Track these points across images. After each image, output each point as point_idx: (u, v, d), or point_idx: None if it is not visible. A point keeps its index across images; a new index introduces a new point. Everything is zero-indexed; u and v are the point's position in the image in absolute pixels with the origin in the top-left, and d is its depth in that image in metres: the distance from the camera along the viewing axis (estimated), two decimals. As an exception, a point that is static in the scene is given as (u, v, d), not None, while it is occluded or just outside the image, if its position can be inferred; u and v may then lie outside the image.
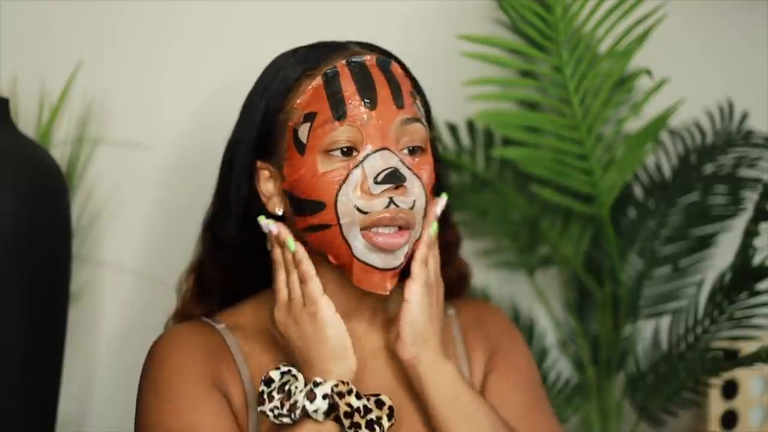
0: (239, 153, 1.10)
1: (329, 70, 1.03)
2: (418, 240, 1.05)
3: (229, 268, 1.14)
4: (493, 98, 1.47)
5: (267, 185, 1.08)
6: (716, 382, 1.54)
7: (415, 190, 1.02)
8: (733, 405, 1.60)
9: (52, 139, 1.46)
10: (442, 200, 1.08)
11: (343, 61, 1.04)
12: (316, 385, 0.97)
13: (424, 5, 1.61)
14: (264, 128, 1.07)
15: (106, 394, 1.55)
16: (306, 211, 1.03)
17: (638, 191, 1.66)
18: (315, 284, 1.01)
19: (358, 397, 0.98)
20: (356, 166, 1.00)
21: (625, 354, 1.62)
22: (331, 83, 1.02)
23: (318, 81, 1.03)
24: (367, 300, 1.09)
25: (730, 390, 1.60)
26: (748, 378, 1.61)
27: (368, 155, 1.00)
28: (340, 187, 1.00)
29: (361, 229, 1.00)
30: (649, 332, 1.67)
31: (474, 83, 1.41)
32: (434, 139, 1.13)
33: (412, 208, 1.01)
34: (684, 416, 1.63)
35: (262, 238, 1.08)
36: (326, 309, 1.01)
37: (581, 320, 1.65)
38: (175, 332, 1.12)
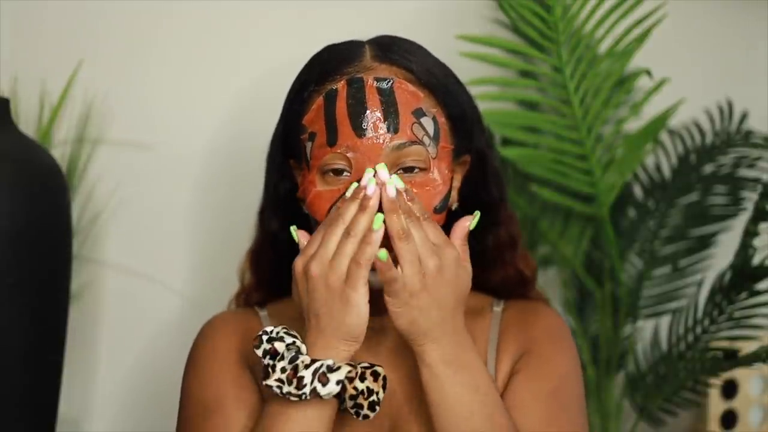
0: (273, 150, 1.13)
1: (331, 90, 1.03)
2: None
3: (279, 259, 1.15)
4: (492, 98, 1.47)
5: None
6: (716, 382, 1.54)
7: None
8: (733, 405, 1.60)
9: (53, 139, 1.46)
10: (465, 221, 1.03)
11: (345, 81, 1.03)
12: (330, 370, 0.95)
13: (424, 5, 1.61)
14: (287, 134, 1.09)
15: (106, 394, 1.56)
16: (312, 223, 1.05)
17: (638, 191, 1.66)
18: (366, 271, 0.96)
19: (362, 378, 0.97)
20: (344, 193, 1.01)
21: (624, 354, 1.62)
22: (329, 105, 1.02)
23: (321, 100, 1.04)
24: None
25: (729, 390, 1.60)
26: (748, 378, 1.61)
27: (356, 182, 1.00)
28: (328, 211, 1.01)
29: None
30: (649, 332, 1.67)
31: (474, 83, 1.40)
32: (478, 148, 1.12)
33: None
34: (684, 416, 1.63)
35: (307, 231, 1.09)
36: (362, 298, 0.96)
37: (581, 320, 1.65)
38: (218, 317, 1.17)
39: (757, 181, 1.55)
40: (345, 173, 1.01)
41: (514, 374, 1.09)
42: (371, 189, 0.97)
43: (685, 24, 1.66)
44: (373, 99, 1.02)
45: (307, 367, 0.95)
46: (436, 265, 0.97)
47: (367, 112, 1.01)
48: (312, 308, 0.98)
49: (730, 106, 1.64)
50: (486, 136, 1.16)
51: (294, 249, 1.07)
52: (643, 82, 1.53)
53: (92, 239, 1.52)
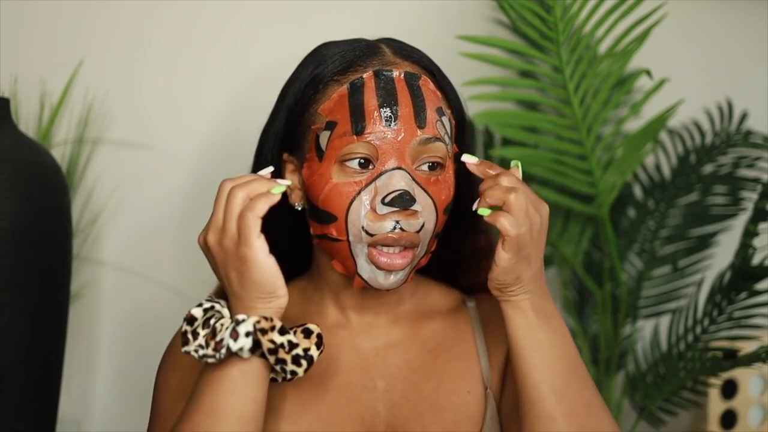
0: (267, 142, 1.11)
1: (356, 80, 1.03)
2: (424, 258, 1.05)
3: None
4: (492, 98, 1.47)
5: (293, 178, 1.09)
6: (716, 382, 1.54)
7: (425, 211, 1.01)
8: (733, 405, 1.60)
9: (53, 139, 1.46)
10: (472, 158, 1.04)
11: (371, 72, 1.03)
12: (239, 323, 0.95)
13: (424, 5, 1.61)
14: (291, 122, 1.08)
15: (106, 394, 1.56)
16: (320, 219, 1.04)
17: (638, 191, 1.66)
18: (254, 226, 0.94)
19: (283, 332, 0.95)
20: (368, 183, 1.00)
21: (624, 354, 1.62)
22: (356, 95, 1.02)
23: (344, 89, 1.03)
24: (385, 297, 1.11)
25: (729, 390, 1.60)
26: (748, 378, 1.61)
27: (381, 174, 1.00)
28: (351, 204, 1.00)
29: (367, 245, 1.01)
30: (649, 332, 1.67)
31: (474, 83, 1.41)
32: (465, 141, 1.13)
33: (419, 231, 1.01)
34: (684, 416, 1.63)
35: (294, 224, 1.09)
36: (258, 252, 0.94)
37: (581, 320, 1.65)
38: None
39: (756, 181, 1.55)
40: (370, 165, 1.01)
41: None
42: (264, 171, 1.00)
43: (685, 24, 1.66)
44: (403, 92, 1.02)
45: (225, 328, 0.95)
46: (540, 218, 1.00)
47: (398, 104, 1.01)
48: (221, 276, 0.99)
49: (730, 106, 1.64)
50: (473, 148, 1.17)
51: (278, 243, 1.07)
52: (643, 82, 1.53)
53: (92, 239, 1.52)
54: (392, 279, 1.02)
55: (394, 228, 1.00)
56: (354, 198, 1.00)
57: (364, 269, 1.02)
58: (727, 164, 1.59)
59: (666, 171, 1.66)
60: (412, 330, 1.12)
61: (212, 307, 0.98)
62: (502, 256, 0.99)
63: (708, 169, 1.60)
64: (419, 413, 1.07)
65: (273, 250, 1.10)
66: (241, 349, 0.94)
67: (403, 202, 0.99)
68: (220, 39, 1.55)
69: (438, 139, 1.02)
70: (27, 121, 1.46)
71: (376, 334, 1.11)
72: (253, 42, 1.56)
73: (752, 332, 1.46)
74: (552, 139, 1.50)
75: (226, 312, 0.98)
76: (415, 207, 0.99)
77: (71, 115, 1.49)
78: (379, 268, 1.01)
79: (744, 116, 1.63)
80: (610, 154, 1.50)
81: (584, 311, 1.67)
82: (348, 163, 1.01)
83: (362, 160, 1.01)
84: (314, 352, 0.96)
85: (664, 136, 1.66)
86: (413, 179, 1.01)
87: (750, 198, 1.56)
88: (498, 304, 1.17)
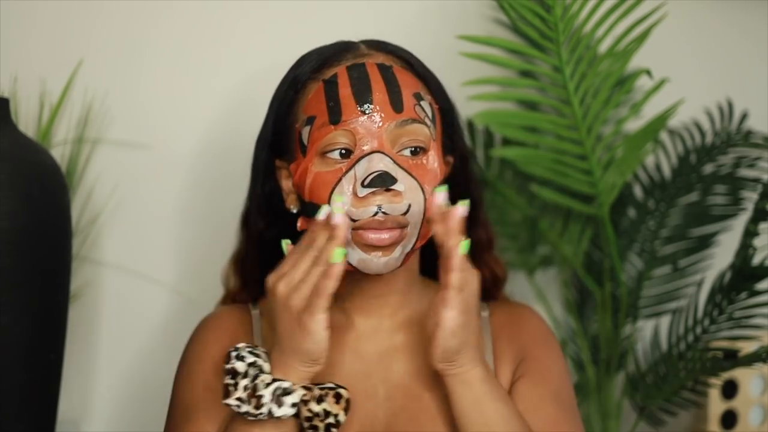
0: (260, 150, 1.13)
1: (331, 74, 1.04)
2: (418, 242, 1.05)
3: (266, 259, 1.14)
4: (492, 98, 1.47)
5: (287, 183, 1.10)
6: (716, 382, 1.54)
7: (410, 193, 1.01)
8: (733, 405, 1.60)
9: (52, 139, 1.46)
10: (461, 209, 1.00)
11: (345, 66, 1.05)
12: (286, 393, 0.97)
13: (424, 5, 1.61)
14: (278, 128, 1.09)
15: (106, 394, 1.56)
16: (308, 212, 1.04)
17: (638, 191, 1.66)
18: (324, 301, 0.96)
19: (320, 400, 0.99)
20: (348, 169, 1.01)
21: (624, 354, 1.62)
22: (330, 88, 1.03)
23: (320, 85, 1.04)
24: (388, 298, 1.11)
25: (729, 390, 1.60)
26: (748, 378, 1.61)
27: (360, 158, 1.00)
28: (332, 191, 1.01)
29: (353, 229, 1.01)
30: (649, 332, 1.67)
31: (474, 83, 1.41)
32: (461, 141, 1.15)
33: (405, 213, 1.01)
34: (684, 416, 1.63)
35: (293, 232, 1.09)
36: (319, 325, 0.96)
37: (581, 320, 1.65)
38: (212, 315, 1.18)
39: (757, 181, 1.55)
40: (350, 154, 1.01)
41: (517, 380, 1.10)
42: (338, 219, 0.97)
43: (685, 24, 1.66)
44: (376, 79, 1.03)
45: (267, 386, 0.97)
46: (475, 285, 1.00)
47: (372, 91, 1.02)
48: (277, 326, 1.00)
49: (730, 106, 1.63)
50: (465, 139, 1.18)
51: (280, 249, 1.07)
52: (643, 82, 1.53)
53: (91, 239, 1.52)
54: (383, 260, 1.01)
55: (377, 212, 0.99)
56: (335, 186, 1.00)
57: (352, 256, 1.02)
58: (727, 164, 1.59)
59: (666, 171, 1.66)
60: (418, 336, 1.11)
61: (254, 363, 0.99)
62: (447, 315, 0.97)
63: (708, 169, 1.60)
64: (418, 423, 1.07)
65: (275, 255, 1.10)
66: (284, 416, 0.97)
67: (383, 181, 0.98)
68: (219, 39, 1.55)
69: (416, 120, 1.02)
70: (27, 121, 1.46)
71: (379, 339, 1.11)
72: (253, 42, 1.56)
73: (752, 332, 1.46)
74: (552, 138, 1.50)
75: (267, 366, 0.99)
76: (397, 186, 0.99)
77: (71, 115, 1.49)
78: (369, 246, 1.00)
79: (744, 116, 1.63)
80: (610, 154, 1.50)
81: (584, 311, 1.67)
82: (329, 155, 1.02)
83: (343, 151, 1.01)
84: (342, 417, 0.99)
85: (664, 136, 1.66)
86: (394, 162, 1.00)
87: (750, 198, 1.56)
88: (515, 314, 1.17)
